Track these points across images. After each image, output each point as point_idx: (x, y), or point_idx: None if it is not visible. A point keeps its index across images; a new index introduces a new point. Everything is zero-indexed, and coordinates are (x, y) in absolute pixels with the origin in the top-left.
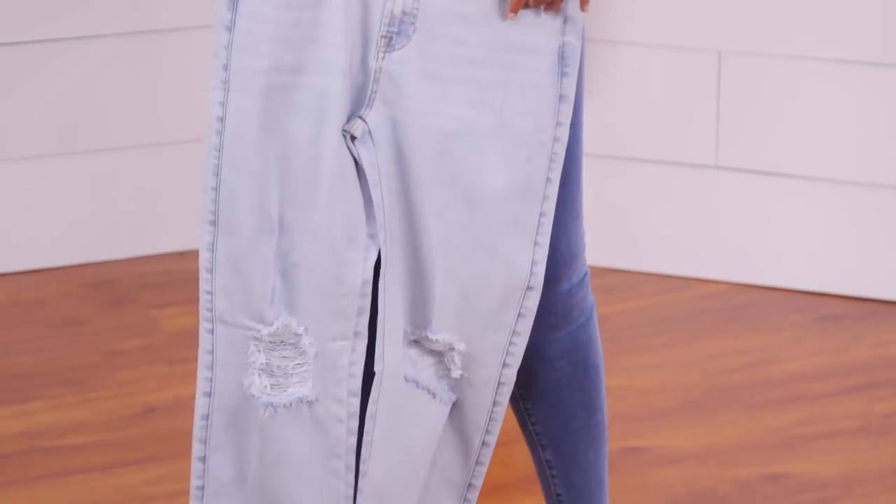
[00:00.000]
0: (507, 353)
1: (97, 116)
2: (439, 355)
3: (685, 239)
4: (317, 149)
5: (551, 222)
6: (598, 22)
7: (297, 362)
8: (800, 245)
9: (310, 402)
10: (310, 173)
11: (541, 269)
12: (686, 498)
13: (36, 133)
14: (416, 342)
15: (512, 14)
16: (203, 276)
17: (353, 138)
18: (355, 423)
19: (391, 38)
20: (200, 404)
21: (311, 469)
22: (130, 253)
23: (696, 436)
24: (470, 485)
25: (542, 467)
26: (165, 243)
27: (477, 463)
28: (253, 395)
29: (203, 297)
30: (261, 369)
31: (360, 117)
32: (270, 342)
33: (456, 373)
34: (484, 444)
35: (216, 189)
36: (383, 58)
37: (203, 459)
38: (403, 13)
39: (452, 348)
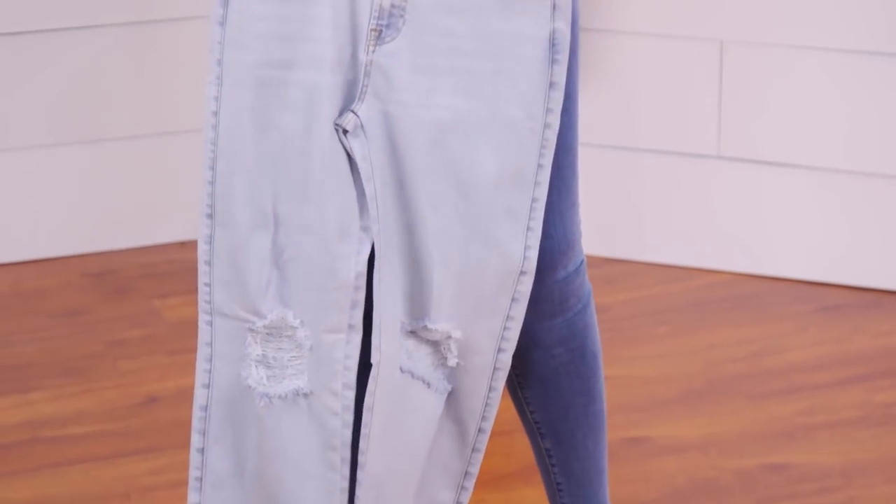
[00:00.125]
0: (502, 338)
1: (99, 106)
2: (436, 345)
3: (687, 229)
4: (308, 143)
5: (543, 207)
6: (599, 11)
7: (292, 355)
8: (803, 235)
9: (306, 395)
10: (301, 168)
11: (534, 254)
12: (688, 488)
13: (37, 123)
14: (412, 333)
15: None
16: (202, 268)
17: (345, 132)
18: (350, 416)
19: (381, 32)
20: (199, 396)
21: (308, 462)
22: (132, 243)
23: (698, 425)
24: (466, 472)
25: (542, 456)
26: (167, 233)
27: (473, 450)
28: (250, 387)
29: (202, 289)
30: (257, 360)
31: (352, 111)
32: (267, 334)
33: (452, 361)
34: (480, 430)
35: (212, 183)
36: (373, 51)
37: (202, 451)
38: (392, 6)
39: (449, 337)
